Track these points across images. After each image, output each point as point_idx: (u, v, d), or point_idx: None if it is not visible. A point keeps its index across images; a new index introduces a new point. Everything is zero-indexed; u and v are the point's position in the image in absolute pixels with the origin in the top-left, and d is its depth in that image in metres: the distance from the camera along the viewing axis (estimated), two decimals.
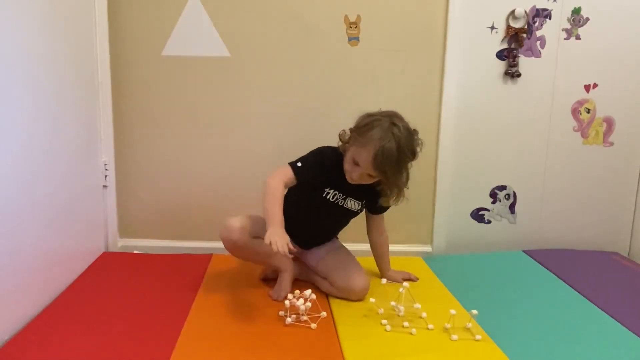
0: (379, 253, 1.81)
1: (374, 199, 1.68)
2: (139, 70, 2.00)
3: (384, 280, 1.64)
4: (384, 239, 1.80)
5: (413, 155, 1.56)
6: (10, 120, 1.37)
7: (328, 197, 1.66)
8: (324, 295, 1.67)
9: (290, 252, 1.41)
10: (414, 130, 1.58)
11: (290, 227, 1.70)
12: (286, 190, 1.62)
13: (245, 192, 2.02)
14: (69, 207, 1.72)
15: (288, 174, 1.60)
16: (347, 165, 1.58)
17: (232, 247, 1.59)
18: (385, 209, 1.74)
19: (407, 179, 1.60)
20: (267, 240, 1.41)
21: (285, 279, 1.67)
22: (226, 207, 2.08)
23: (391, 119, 1.53)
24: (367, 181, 1.58)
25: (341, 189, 1.65)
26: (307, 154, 1.65)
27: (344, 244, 1.83)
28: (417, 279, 1.82)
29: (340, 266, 1.68)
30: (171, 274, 1.80)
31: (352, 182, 1.60)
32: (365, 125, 1.54)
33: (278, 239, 1.40)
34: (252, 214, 1.65)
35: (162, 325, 1.45)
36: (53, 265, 1.61)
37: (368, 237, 1.80)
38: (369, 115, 1.58)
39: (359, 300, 1.63)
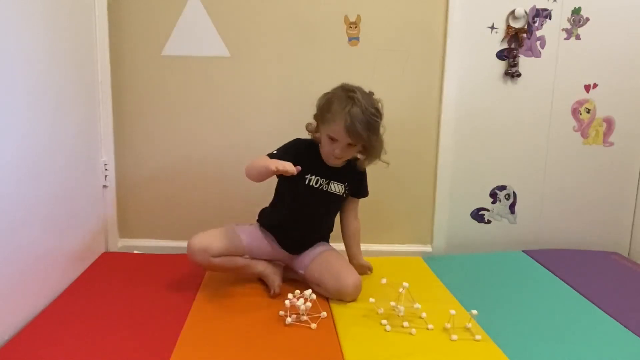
0: (351, 235, 1.80)
1: (355, 179, 1.73)
2: (139, 70, 2.00)
3: (384, 280, 1.64)
4: (358, 223, 1.81)
5: (378, 113, 1.62)
6: (10, 120, 1.37)
7: (311, 183, 1.67)
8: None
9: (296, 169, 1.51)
10: (370, 92, 1.65)
11: (281, 227, 1.73)
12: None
13: (245, 191, 2.02)
14: (69, 207, 1.72)
15: (260, 157, 1.63)
16: (327, 147, 1.63)
17: (197, 265, 1.64)
18: (366, 192, 1.79)
19: (382, 142, 1.66)
20: (273, 173, 1.50)
21: (271, 277, 1.68)
22: (226, 207, 2.08)
23: (344, 89, 1.62)
24: (350, 153, 1.64)
25: (322, 173, 1.68)
26: (282, 145, 1.71)
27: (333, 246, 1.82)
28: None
29: (328, 269, 1.67)
30: (171, 274, 1.80)
31: (336, 162, 1.65)
32: (325, 103, 1.63)
33: (277, 162, 1.48)
34: (225, 227, 1.69)
35: (162, 325, 1.45)
36: (53, 265, 1.61)
37: (341, 221, 1.81)
38: (324, 94, 1.66)
39: (353, 300, 1.62)
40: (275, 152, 1.66)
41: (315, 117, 1.67)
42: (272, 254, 1.74)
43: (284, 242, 1.74)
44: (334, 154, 1.62)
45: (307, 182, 1.67)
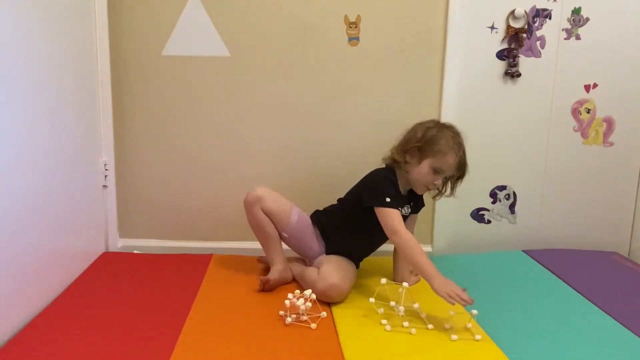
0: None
1: (417, 199, 1.80)
2: (139, 70, 2.00)
3: (384, 280, 1.64)
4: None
5: None
6: (10, 121, 1.37)
7: (403, 213, 1.71)
8: None
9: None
10: None
11: (346, 247, 1.76)
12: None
13: (246, 191, 2.01)
14: (69, 207, 1.72)
15: (395, 216, 1.63)
16: (427, 178, 1.68)
17: (247, 206, 1.75)
18: (422, 205, 1.85)
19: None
20: (442, 294, 1.48)
21: (273, 272, 1.71)
22: (226, 207, 2.08)
23: (446, 127, 1.71)
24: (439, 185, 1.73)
25: (403, 202, 1.74)
26: (378, 186, 1.69)
27: None
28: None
29: (321, 265, 1.69)
30: (171, 274, 1.80)
31: (427, 191, 1.73)
32: (431, 138, 1.67)
33: (450, 290, 1.48)
34: (285, 199, 1.78)
35: (162, 325, 1.45)
36: (53, 265, 1.61)
37: None
38: (427, 129, 1.69)
39: (332, 301, 1.61)
40: (388, 200, 1.64)
41: (412, 147, 1.68)
42: (309, 246, 1.78)
43: (334, 251, 1.77)
44: (432, 185, 1.70)
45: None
